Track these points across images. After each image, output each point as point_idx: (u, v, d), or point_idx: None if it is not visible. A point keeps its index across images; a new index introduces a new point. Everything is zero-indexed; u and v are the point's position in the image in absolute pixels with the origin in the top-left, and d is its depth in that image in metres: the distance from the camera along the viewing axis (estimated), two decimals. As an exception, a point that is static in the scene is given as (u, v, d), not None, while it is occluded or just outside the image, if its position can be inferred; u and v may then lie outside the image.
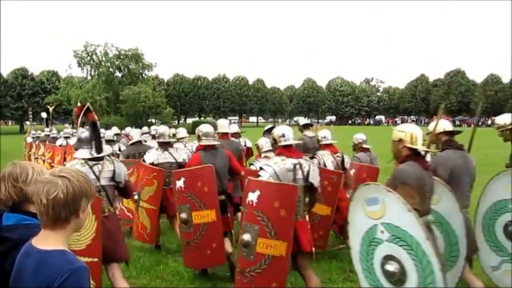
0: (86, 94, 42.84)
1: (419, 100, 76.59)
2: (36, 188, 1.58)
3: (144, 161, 5.88)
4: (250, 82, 76.13)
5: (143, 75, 47.88)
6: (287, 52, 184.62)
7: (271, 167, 3.91)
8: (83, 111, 4.01)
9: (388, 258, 2.46)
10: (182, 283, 4.86)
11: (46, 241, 1.59)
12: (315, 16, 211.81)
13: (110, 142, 8.18)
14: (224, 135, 6.55)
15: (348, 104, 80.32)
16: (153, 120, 43.35)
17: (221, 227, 4.65)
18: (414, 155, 3.16)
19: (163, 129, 6.26)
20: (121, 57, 45.73)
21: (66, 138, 11.04)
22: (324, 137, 5.86)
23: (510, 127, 4.59)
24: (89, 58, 44.80)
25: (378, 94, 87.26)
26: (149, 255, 5.82)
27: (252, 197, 3.74)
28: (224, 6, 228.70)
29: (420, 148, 3.17)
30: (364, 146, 6.30)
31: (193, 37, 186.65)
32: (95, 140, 3.96)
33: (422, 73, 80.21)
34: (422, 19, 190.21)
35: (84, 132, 4.07)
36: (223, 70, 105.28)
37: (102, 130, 10.47)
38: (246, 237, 3.74)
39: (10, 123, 70.45)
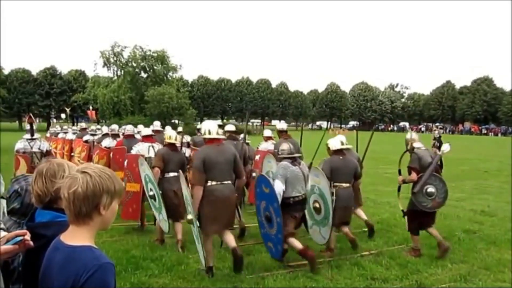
0: (112, 93, 43.62)
1: (446, 108, 75.19)
2: (62, 183, 1.62)
3: (101, 145, 9.71)
4: (273, 85, 76.04)
5: (168, 76, 48.36)
6: (311, 56, 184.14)
7: (136, 148, 7.35)
8: (28, 117, 8.78)
9: None
10: (203, 283, 4.86)
11: (73, 236, 1.60)
12: (342, 20, 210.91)
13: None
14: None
15: (371, 109, 79.43)
16: (176, 121, 43.67)
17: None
18: (169, 144, 6.40)
19: (114, 126, 10.91)
20: (147, 58, 46.33)
21: (65, 133, 14.48)
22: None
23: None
24: (115, 58, 45.52)
25: (403, 100, 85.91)
26: (170, 254, 5.86)
27: (125, 163, 7.26)
28: (248, 9, 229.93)
29: (172, 141, 6.38)
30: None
31: (218, 40, 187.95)
32: (31, 131, 7.78)
33: (448, 80, 78.90)
34: (452, 24, 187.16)
35: (28, 126, 7.83)
36: (246, 73, 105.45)
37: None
38: (123, 183, 6.39)
39: (38, 120, 72.09)
